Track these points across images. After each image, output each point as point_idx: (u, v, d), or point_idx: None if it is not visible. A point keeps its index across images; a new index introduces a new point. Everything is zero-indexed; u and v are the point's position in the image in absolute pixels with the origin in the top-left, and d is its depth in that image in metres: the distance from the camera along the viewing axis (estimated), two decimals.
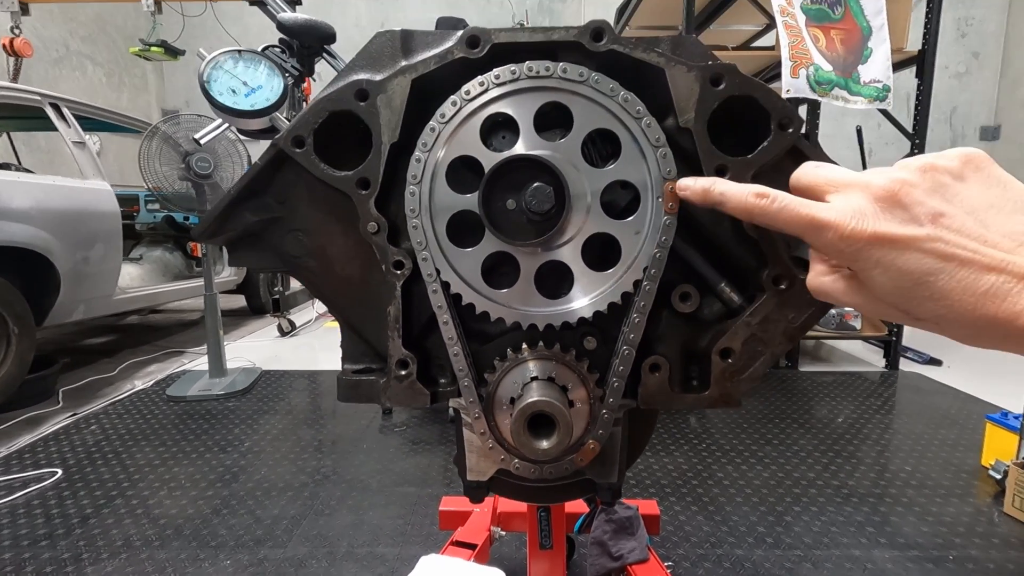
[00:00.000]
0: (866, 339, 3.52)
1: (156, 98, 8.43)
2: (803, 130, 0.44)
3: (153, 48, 5.57)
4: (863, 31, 2.80)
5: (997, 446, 1.97)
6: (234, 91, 0.75)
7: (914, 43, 3.13)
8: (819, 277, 0.39)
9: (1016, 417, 1.93)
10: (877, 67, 2.82)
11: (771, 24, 3.36)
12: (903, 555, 1.55)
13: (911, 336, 3.54)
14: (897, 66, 3.18)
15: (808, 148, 0.45)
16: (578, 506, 1.37)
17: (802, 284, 0.45)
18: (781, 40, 2.73)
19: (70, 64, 6.81)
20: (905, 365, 3.31)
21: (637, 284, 0.45)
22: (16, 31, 4.73)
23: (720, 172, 0.45)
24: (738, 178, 0.44)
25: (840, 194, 0.35)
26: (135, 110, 6.79)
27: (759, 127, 0.45)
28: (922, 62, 3.07)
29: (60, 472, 2.02)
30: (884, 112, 2.95)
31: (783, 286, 0.45)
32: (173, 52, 5.70)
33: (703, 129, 0.44)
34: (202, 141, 1.14)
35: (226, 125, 1.00)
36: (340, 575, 1.48)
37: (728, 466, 2.07)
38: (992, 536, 1.64)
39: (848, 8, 2.78)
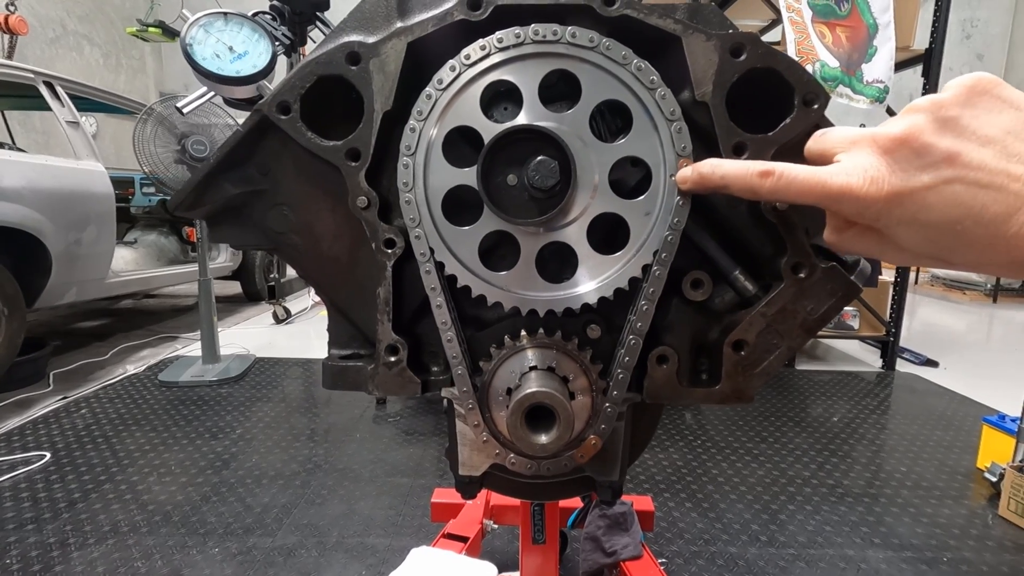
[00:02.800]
0: (863, 339, 3.51)
1: (154, 80, 8.33)
2: (828, 107, 0.41)
3: (151, 28, 5.49)
4: (869, 28, 2.77)
5: (993, 449, 1.97)
6: (219, 56, 0.72)
7: (921, 42, 3.09)
8: (840, 233, 0.36)
9: (1013, 420, 1.92)
10: (880, 67, 2.79)
11: (777, 20, 3.32)
12: (897, 556, 1.54)
13: (908, 337, 3.53)
14: (903, 64, 3.15)
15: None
16: (572, 500, 1.35)
17: (823, 273, 0.43)
18: (787, 36, 2.69)
19: (67, 44, 6.71)
20: (902, 366, 3.30)
21: (646, 269, 0.42)
22: (11, 8, 4.65)
23: (739, 150, 0.41)
24: (757, 157, 0.41)
25: (848, 154, 0.33)
26: (133, 92, 6.70)
27: (780, 103, 0.42)
28: (928, 61, 3.03)
29: (49, 455, 2.00)
30: (890, 111, 2.92)
31: (802, 274, 0.42)
32: (171, 33, 5.62)
33: (721, 103, 0.41)
34: (185, 110, 1.10)
35: (211, 94, 0.96)
36: (330, 565, 1.46)
37: (723, 463, 2.05)
38: (987, 539, 1.63)
39: (855, 5, 2.74)
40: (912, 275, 3.90)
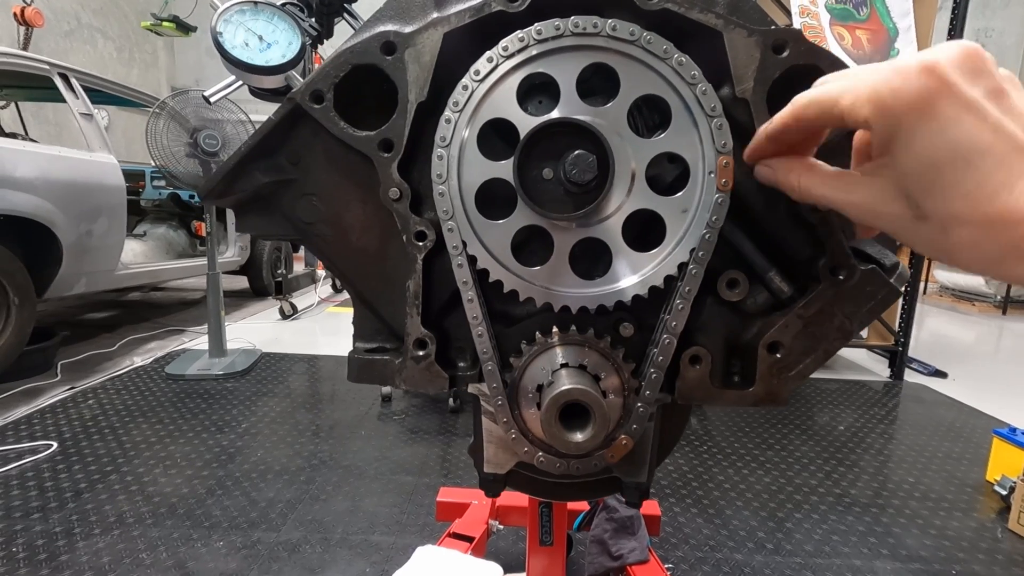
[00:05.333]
0: (871, 348, 3.48)
1: (166, 75, 8.39)
2: None
3: (165, 23, 5.53)
4: (889, 32, 2.76)
5: (1003, 461, 1.95)
6: (248, 45, 0.72)
7: None
8: (859, 162, 0.36)
9: None
10: None
11: (789, 27, 3.31)
12: (905, 567, 1.53)
13: (917, 347, 3.51)
14: None
15: None
16: (578, 503, 1.34)
17: (862, 275, 0.42)
18: None
19: (81, 37, 6.76)
20: (910, 376, 3.28)
21: (682, 267, 0.42)
22: (27, 1, 4.68)
23: None
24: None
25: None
26: (145, 86, 6.75)
27: None
28: None
29: (56, 445, 2.00)
30: None
31: (841, 276, 0.42)
32: (185, 28, 5.65)
33: (762, 100, 0.40)
34: (213, 99, 1.10)
35: (239, 83, 0.96)
36: (334, 561, 1.45)
37: (729, 469, 2.04)
38: (996, 552, 1.62)
39: (874, 9, 2.73)
40: (921, 285, 3.89)
